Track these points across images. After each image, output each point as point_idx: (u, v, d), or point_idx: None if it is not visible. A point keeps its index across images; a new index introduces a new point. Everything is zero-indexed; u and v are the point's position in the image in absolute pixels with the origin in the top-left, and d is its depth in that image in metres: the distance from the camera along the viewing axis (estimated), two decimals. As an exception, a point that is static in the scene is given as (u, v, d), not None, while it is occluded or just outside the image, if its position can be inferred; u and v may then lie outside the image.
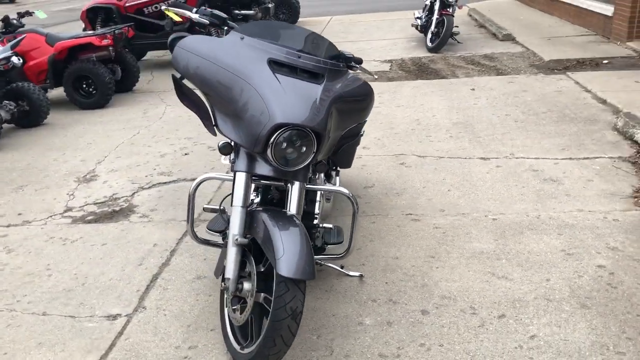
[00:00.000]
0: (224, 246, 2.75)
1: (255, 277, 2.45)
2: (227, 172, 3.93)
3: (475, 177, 4.32)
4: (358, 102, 2.87)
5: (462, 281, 3.07)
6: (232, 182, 2.80)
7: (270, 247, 2.31)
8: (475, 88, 6.67)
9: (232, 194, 2.56)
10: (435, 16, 8.72)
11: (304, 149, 2.44)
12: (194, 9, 2.92)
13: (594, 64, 7.23)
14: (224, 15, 2.83)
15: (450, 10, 8.71)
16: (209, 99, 2.63)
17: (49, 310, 3.08)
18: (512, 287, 2.99)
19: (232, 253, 2.49)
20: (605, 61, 7.29)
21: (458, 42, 9.11)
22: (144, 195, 4.44)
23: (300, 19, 12.38)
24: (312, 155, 2.50)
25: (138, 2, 8.80)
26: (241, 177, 2.55)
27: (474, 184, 4.21)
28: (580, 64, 7.29)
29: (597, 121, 5.27)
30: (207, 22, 2.84)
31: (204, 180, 2.84)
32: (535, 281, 3.03)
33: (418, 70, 7.77)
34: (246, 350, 2.46)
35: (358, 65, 2.86)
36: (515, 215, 3.72)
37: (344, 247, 2.91)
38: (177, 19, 3.14)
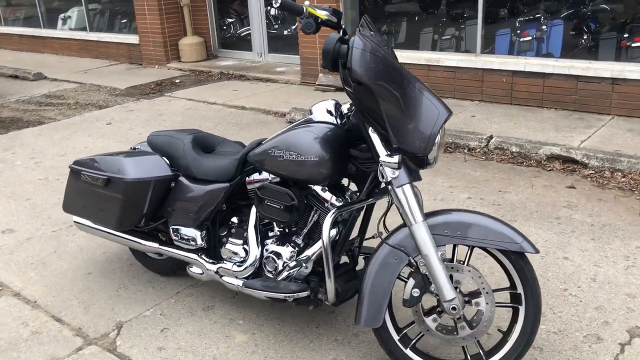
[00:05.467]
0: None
1: (482, 279, 2.23)
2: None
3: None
4: None
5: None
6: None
7: (497, 240, 2.20)
8: (111, 122, 6.13)
9: (402, 212, 2.19)
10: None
11: None
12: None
13: (171, 84, 7.71)
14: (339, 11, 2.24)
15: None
16: (384, 106, 2.10)
17: None
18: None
19: (441, 271, 2.18)
20: (177, 80, 7.86)
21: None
22: None
23: None
24: None
25: None
26: (410, 189, 2.20)
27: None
28: (160, 86, 7.63)
29: (267, 122, 5.91)
30: (336, 20, 2.19)
31: (337, 215, 2.20)
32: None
33: (-7, 123, 6.38)
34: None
35: None
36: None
37: None
38: (323, 17, 2.17)
